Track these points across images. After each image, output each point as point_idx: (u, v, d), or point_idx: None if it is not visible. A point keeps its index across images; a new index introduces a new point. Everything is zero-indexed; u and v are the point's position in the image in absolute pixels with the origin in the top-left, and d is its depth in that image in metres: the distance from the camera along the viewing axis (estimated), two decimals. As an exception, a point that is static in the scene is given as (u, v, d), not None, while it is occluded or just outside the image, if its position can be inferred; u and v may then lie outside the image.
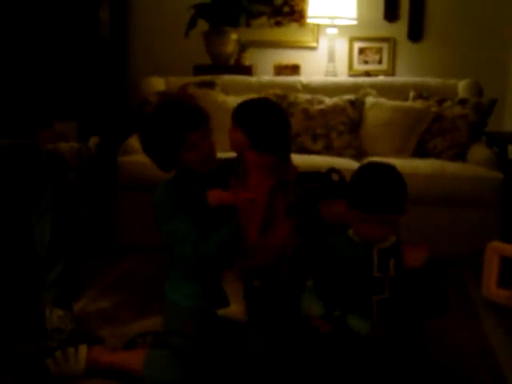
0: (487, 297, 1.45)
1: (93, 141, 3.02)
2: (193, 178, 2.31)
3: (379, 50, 5.22)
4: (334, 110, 4.18)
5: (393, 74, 5.18)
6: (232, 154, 2.28)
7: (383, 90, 4.39)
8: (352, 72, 5.22)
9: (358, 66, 5.25)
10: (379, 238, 2.02)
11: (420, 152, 4.09)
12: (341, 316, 2.00)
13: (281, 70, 5.16)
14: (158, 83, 4.55)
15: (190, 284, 2.31)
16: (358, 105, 4.24)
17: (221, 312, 2.21)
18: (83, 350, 2.28)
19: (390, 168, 2.06)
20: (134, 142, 4.05)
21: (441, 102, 4.19)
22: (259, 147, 2.20)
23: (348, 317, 2.01)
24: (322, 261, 2.09)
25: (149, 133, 2.27)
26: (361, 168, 2.12)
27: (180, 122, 2.21)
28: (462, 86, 4.39)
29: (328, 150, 4.12)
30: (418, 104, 4.19)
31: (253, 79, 4.69)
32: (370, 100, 4.28)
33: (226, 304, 2.22)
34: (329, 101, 4.25)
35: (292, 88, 4.48)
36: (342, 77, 5.05)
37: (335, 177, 2.56)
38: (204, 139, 2.25)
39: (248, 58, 5.17)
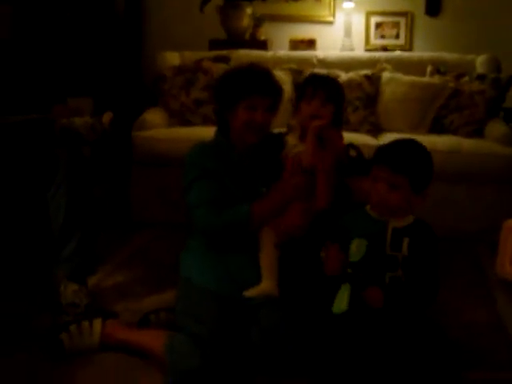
0: (501, 275, 1.43)
1: (106, 116, 3.01)
2: (231, 146, 2.37)
3: (396, 25, 5.15)
4: (350, 84, 4.13)
5: (410, 49, 5.12)
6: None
7: (400, 65, 4.34)
8: (368, 47, 5.17)
9: (375, 41, 5.19)
10: (389, 205, 2.01)
11: (437, 128, 4.05)
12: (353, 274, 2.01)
13: (296, 44, 5.11)
14: (173, 58, 4.53)
15: (211, 262, 2.30)
16: (374, 80, 4.19)
17: (249, 293, 2.20)
18: (98, 323, 2.30)
19: (419, 143, 2.12)
20: (149, 116, 4.05)
21: (458, 77, 4.14)
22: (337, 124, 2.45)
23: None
24: (336, 237, 2.08)
25: (226, 76, 2.42)
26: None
27: (255, 81, 2.31)
28: (479, 62, 4.33)
29: (344, 125, 4.07)
30: (435, 79, 4.14)
31: (268, 54, 4.65)
32: (386, 75, 4.23)
33: (252, 284, 2.21)
34: (344, 76, 4.20)
35: (308, 63, 4.44)
36: (359, 51, 5.01)
37: (353, 153, 2.53)
38: (264, 110, 2.31)
39: (263, 33, 5.13)
